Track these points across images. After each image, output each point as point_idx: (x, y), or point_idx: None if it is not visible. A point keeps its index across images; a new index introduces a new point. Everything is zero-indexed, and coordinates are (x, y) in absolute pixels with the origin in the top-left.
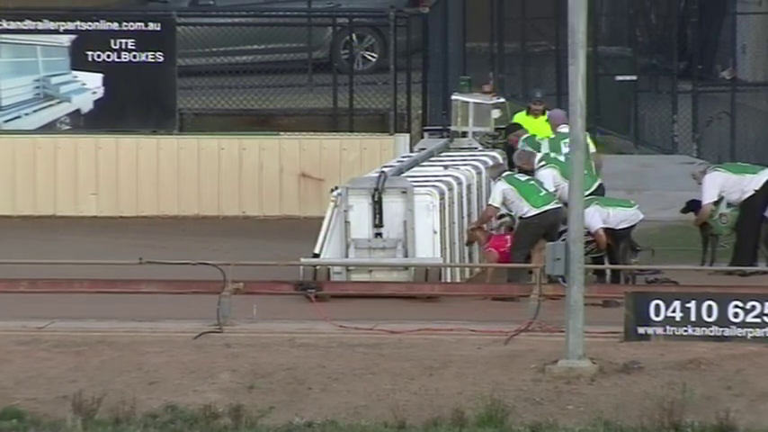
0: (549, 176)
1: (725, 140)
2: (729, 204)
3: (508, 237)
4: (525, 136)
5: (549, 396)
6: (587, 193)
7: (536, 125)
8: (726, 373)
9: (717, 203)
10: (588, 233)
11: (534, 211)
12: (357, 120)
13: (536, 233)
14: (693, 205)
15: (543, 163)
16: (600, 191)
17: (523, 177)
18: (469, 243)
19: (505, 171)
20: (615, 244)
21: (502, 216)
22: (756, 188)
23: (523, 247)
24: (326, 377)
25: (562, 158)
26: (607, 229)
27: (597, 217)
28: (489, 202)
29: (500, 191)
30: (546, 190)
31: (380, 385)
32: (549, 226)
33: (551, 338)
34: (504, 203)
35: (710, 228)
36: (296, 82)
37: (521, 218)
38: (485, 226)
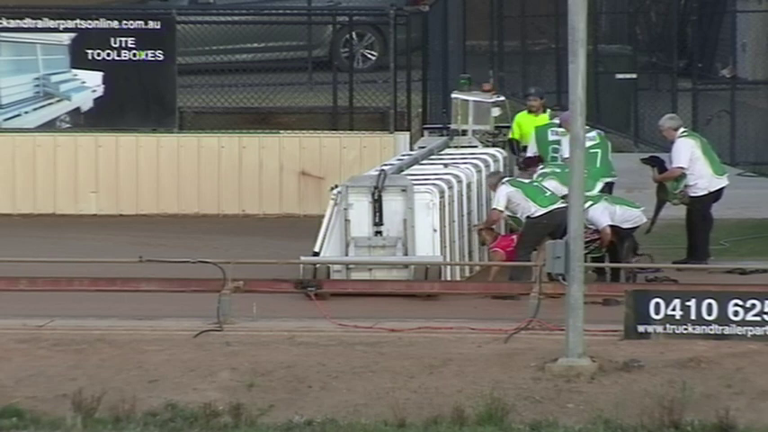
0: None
1: (725, 139)
2: (687, 185)
3: (515, 237)
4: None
5: (549, 394)
6: (590, 192)
7: (538, 123)
8: (726, 371)
9: (679, 179)
10: (595, 230)
11: (542, 211)
12: (357, 118)
13: (543, 233)
14: (656, 162)
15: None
16: (604, 190)
17: (526, 180)
18: (483, 244)
19: (504, 177)
20: (618, 242)
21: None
22: (712, 190)
23: (529, 245)
24: (326, 375)
25: (559, 170)
26: (612, 227)
27: (606, 214)
28: (494, 206)
29: (504, 194)
30: (550, 191)
31: (380, 383)
32: (557, 226)
33: (551, 337)
34: (508, 207)
35: (665, 192)
36: (296, 80)
37: (528, 218)
38: (493, 227)
